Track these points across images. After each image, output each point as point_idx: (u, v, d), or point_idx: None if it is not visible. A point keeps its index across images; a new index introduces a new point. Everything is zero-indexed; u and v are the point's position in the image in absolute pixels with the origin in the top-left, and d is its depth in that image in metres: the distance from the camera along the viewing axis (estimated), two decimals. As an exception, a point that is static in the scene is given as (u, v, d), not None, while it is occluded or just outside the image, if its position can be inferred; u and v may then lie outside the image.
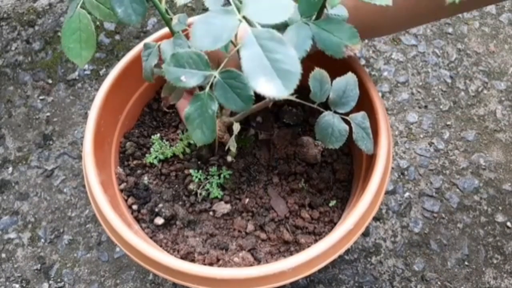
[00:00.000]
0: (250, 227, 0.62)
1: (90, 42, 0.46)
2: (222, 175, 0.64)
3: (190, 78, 0.41)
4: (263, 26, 0.34)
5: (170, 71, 0.42)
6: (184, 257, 0.60)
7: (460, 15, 0.96)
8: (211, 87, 0.42)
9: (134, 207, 0.64)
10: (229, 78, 0.41)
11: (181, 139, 0.67)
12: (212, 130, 0.44)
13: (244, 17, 0.33)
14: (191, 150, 0.66)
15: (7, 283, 0.73)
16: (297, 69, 0.32)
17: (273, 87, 0.31)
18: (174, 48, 0.48)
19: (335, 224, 0.63)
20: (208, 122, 0.43)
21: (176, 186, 0.66)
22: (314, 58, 0.63)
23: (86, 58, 0.46)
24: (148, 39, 0.63)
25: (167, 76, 0.42)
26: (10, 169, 0.83)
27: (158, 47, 0.50)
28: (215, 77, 0.41)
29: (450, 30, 0.95)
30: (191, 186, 0.64)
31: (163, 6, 0.48)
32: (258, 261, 0.60)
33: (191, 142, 0.66)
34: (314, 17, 0.43)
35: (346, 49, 0.43)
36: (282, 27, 0.37)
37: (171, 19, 0.50)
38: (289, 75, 0.32)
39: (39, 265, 0.75)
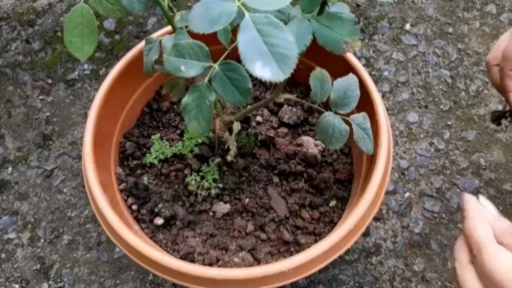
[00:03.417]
0: (250, 227, 0.62)
1: (92, 37, 0.46)
2: (215, 169, 0.64)
3: (189, 69, 0.42)
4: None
5: (170, 61, 0.42)
6: (184, 258, 0.59)
7: (460, 14, 0.96)
8: (209, 79, 0.42)
9: (134, 207, 0.64)
10: (228, 70, 0.41)
11: (188, 138, 0.66)
12: (208, 122, 0.44)
13: (242, 4, 0.33)
14: (200, 150, 0.65)
15: (7, 283, 0.73)
16: (294, 53, 0.32)
17: (269, 71, 0.31)
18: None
19: (335, 224, 0.63)
20: (205, 113, 0.43)
21: (176, 186, 0.65)
22: (315, 58, 0.63)
23: (88, 52, 0.46)
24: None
25: (166, 66, 0.42)
26: (10, 169, 0.83)
27: (159, 42, 0.50)
28: (214, 68, 0.41)
29: (450, 30, 0.95)
30: (191, 187, 0.64)
31: (166, 2, 0.48)
32: (258, 261, 0.60)
33: (199, 141, 0.66)
34: (315, 13, 0.44)
35: (346, 46, 0.43)
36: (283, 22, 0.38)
37: (173, 15, 0.50)
38: (286, 59, 0.32)
39: (39, 265, 0.74)
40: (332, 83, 0.54)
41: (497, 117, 0.64)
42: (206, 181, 0.63)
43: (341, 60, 0.63)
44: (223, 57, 0.42)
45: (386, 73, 0.90)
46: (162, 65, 0.44)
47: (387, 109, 0.86)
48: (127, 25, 0.97)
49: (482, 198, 0.47)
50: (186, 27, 0.49)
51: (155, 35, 0.62)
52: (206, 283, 0.50)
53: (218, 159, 0.64)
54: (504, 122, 0.60)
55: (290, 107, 0.71)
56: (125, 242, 0.53)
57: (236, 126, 0.60)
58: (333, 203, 0.65)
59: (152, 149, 0.67)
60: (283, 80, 0.32)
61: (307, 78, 0.53)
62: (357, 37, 0.43)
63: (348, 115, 0.54)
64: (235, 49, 0.33)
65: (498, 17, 0.96)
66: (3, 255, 0.75)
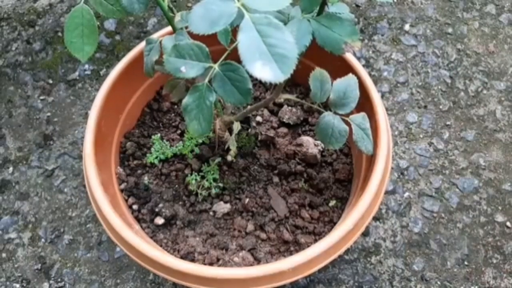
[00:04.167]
0: (250, 227, 0.63)
1: (93, 38, 0.46)
2: (215, 169, 0.64)
3: (190, 69, 0.42)
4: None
5: (170, 61, 0.42)
6: (184, 257, 0.60)
7: (459, 15, 0.96)
8: (210, 79, 0.42)
9: (135, 207, 0.65)
10: (229, 70, 0.41)
11: (189, 138, 0.67)
12: (208, 122, 0.44)
13: (242, 5, 0.33)
14: (200, 149, 0.66)
15: (8, 283, 0.74)
16: (294, 54, 0.32)
17: (269, 71, 0.32)
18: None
19: (335, 224, 0.63)
20: (205, 114, 0.44)
21: (176, 186, 0.66)
22: (315, 58, 0.63)
23: (88, 53, 0.47)
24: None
25: (167, 67, 0.42)
26: (11, 169, 0.83)
27: (159, 43, 0.50)
28: (214, 69, 0.41)
29: (449, 30, 0.95)
30: (191, 187, 0.64)
31: (166, 3, 0.49)
32: (258, 261, 0.60)
33: (200, 141, 0.66)
34: (315, 13, 0.44)
35: (346, 46, 0.43)
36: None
37: (174, 16, 0.50)
38: (285, 60, 0.32)
39: (40, 265, 0.75)
40: (332, 83, 0.54)
41: None
42: (207, 181, 0.64)
43: (341, 61, 0.63)
44: (223, 57, 0.42)
45: (385, 74, 0.90)
46: (162, 65, 0.44)
47: (387, 109, 0.86)
48: (127, 26, 0.97)
49: None
50: (186, 27, 0.49)
51: (155, 36, 0.63)
52: (206, 283, 0.50)
53: (218, 159, 0.64)
54: None
55: (290, 107, 0.71)
56: (126, 242, 0.53)
57: (236, 126, 0.61)
58: (332, 202, 0.65)
59: (152, 149, 0.67)
60: (283, 80, 0.32)
61: (307, 78, 0.53)
62: (357, 38, 0.43)
63: (347, 115, 0.54)
64: (235, 49, 0.33)
65: (498, 18, 0.96)
66: (4, 255, 0.76)
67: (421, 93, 0.88)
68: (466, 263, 0.73)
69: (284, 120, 0.70)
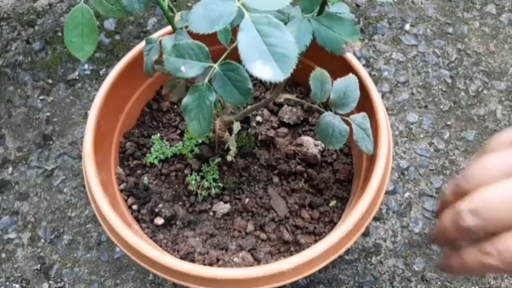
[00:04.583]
0: (250, 227, 0.62)
1: (92, 37, 0.46)
2: (215, 169, 0.64)
3: (189, 69, 0.42)
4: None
5: (170, 61, 0.42)
6: (184, 257, 0.60)
7: (460, 14, 0.96)
8: (210, 79, 0.42)
9: (134, 207, 0.64)
10: (228, 70, 0.41)
11: (189, 138, 0.66)
12: (208, 122, 0.44)
13: (242, 4, 0.33)
14: (200, 150, 0.65)
15: (7, 283, 0.73)
16: (294, 53, 0.32)
17: (269, 71, 0.32)
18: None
19: (335, 224, 0.63)
20: (205, 114, 0.43)
21: (176, 186, 0.66)
22: (315, 58, 0.63)
23: (88, 52, 0.47)
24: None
25: (166, 66, 0.42)
26: (10, 169, 0.83)
27: (159, 42, 0.50)
28: (214, 68, 0.41)
29: (450, 30, 0.95)
30: (191, 187, 0.64)
31: (166, 3, 0.49)
32: (258, 261, 0.60)
33: (200, 141, 0.66)
34: (315, 13, 0.44)
35: (346, 46, 0.43)
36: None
37: (174, 16, 0.50)
38: (285, 59, 0.32)
39: (39, 265, 0.74)
40: (332, 83, 0.54)
41: None
42: (206, 181, 0.63)
43: (341, 60, 0.63)
44: (223, 57, 0.42)
45: (386, 73, 0.90)
46: (162, 65, 0.44)
47: (387, 109, 0.86)
48: (127, 25, 0.97)
49: None
50: (186, 27, 0.49)
51: (155, 35, 0.62)
52: (206, 283, 0.50)
53: (218, 159, 0.64)
54: None
55: (290, 107, 0.71)
56: (125, 242, 0.53)
57: (236, 126, 0.60)
58: (333, 203, 0.65)
59: (152, 149, 0.67)
60: (283, 80, 0.32)
61: (307, 78, 0.53)
62: (357, 37, 0.43)
63: (348, 115, 0.54)
64: (235, 49, 0.33)
65: (498, 17, 0.96)
66: (3, 255, 0.76)
67: (421, 93, 0.88)
68: (466, 263, 0.73)
69: (284, 120, 0.70)
